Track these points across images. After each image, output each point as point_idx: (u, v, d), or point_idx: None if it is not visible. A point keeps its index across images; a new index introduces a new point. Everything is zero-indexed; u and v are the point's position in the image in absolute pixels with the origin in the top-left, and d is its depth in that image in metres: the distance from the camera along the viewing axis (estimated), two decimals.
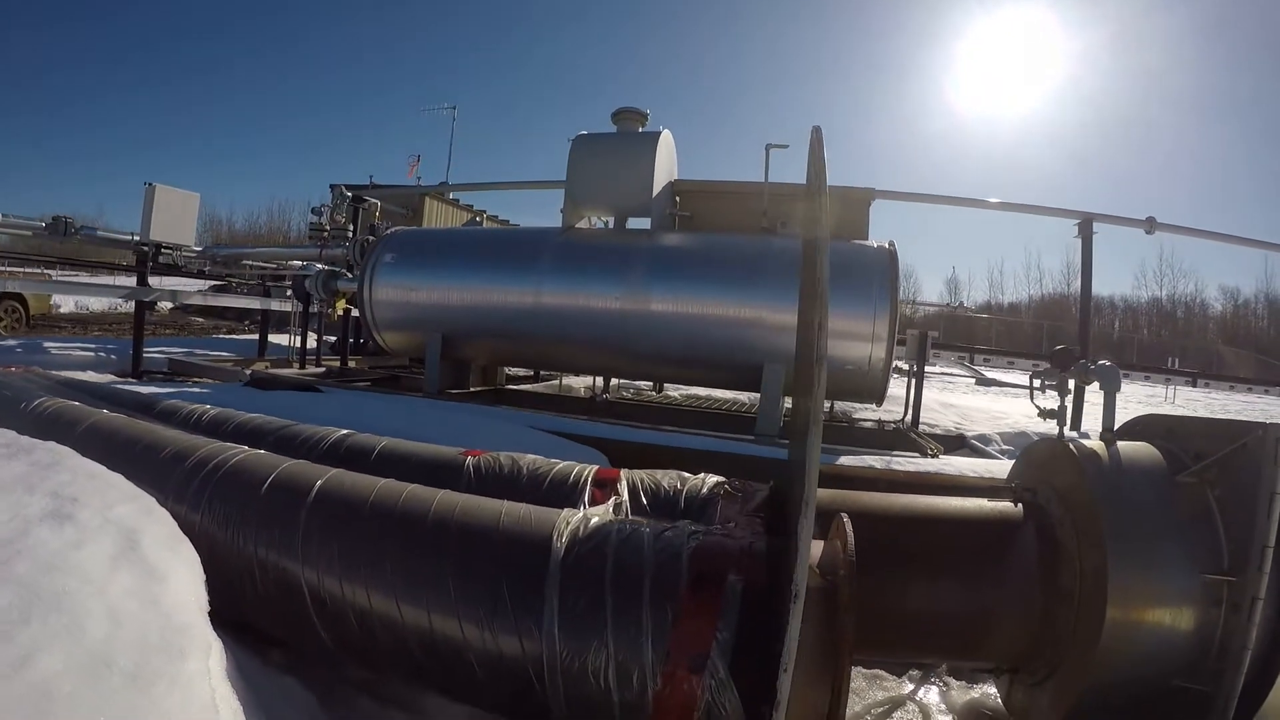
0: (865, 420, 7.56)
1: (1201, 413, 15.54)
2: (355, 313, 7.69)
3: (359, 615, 1.80)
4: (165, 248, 8.26)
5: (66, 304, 18.49)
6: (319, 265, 8.59)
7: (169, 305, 12.97)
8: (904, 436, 6.56)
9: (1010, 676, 2.38)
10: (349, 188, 12.13)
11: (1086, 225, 9.31)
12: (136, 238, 8.54)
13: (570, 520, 1.68)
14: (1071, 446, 2.27)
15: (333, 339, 10.37)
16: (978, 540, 2.22)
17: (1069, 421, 3.90)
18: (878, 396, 5.87)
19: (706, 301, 5.60)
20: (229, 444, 2.51)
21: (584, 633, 1.50)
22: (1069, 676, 2.05)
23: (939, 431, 7.07)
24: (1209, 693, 1.89)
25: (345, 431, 2.90)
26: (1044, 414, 2.71)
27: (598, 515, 1.81)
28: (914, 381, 7.24)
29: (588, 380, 8.42)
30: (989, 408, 12.79)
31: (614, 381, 8.46)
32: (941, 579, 2.16)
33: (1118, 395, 2.67)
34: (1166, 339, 53.46)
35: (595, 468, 2.43)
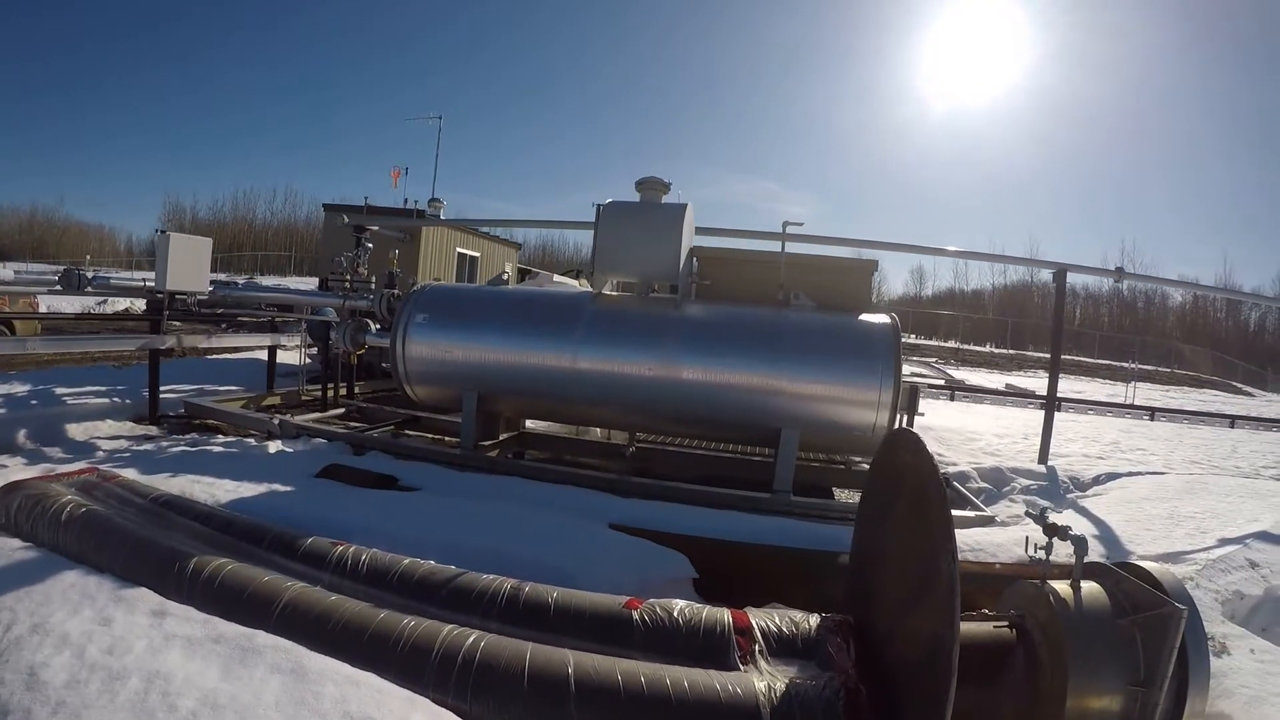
0: (864, 463, 8.58)
1: (1148, 425, 17.25)
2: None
3: None
4: (180, 294, 8.79)
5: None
6: (331, 310, 9.26)
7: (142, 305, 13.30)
8: None
9: None
10: (342, 208, 12.69)
11: (1060, 275, 10.45)
12: (149, 284, 9.06)
13: (762, 695, 2.78)
14: (1049, 595, 3.41)
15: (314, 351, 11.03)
16: (988, 653, 3.33)
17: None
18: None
19: (731, 371, 6.57)
20: (458, 627, 3.16)
21: None
22: None
23: None
24: None
25: (514, 583, 3.60)
26: (1047, 530, 3.74)
27: (769, 680, 2.89)
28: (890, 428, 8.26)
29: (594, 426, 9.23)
30: (962, 427, 14.03)
31: None
32: (967, 681, 3.24)
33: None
34: (1128, 329, 56.03)
35: (730, 614, 3.41)
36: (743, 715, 2.69)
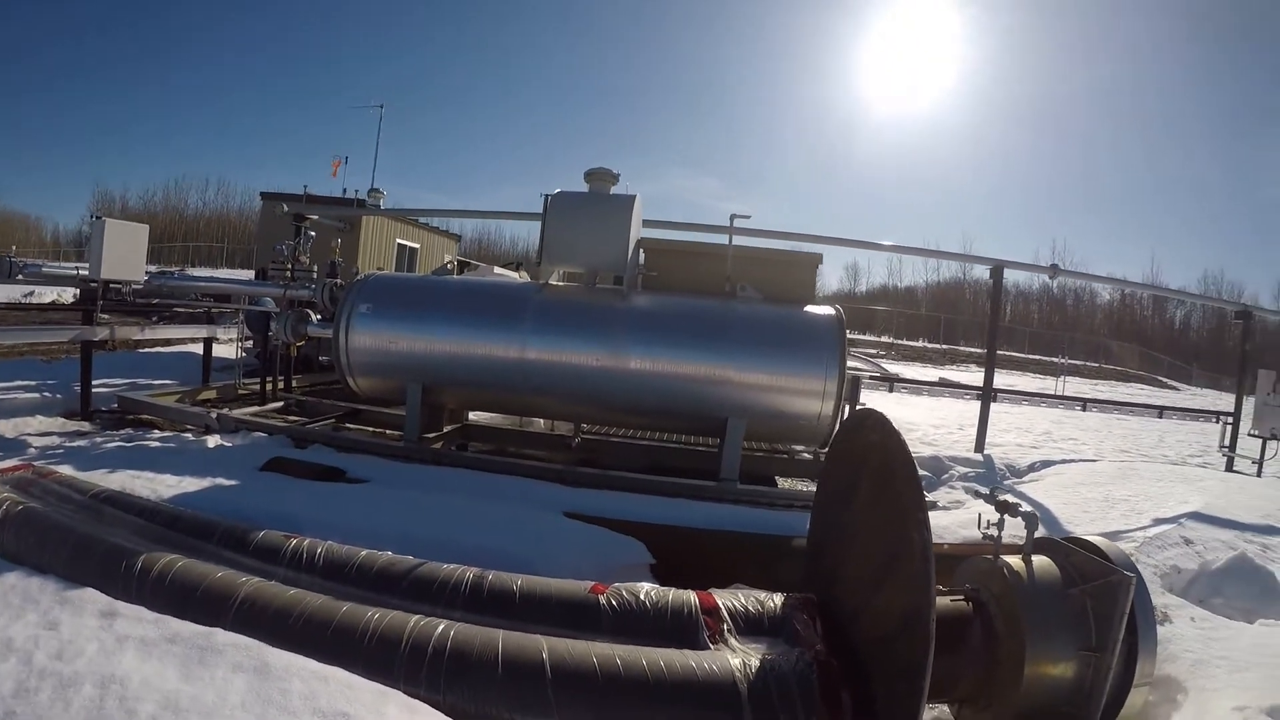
0: (805, 453, 8.81)
1: (1079, 416, 18.03)
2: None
3: None
4: (114, 283, 8.47)
5: None
6: (270, 300, 9.05)
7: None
8: None
9: (961, 706, 3.73)
10: (281, 197, 12.42)
11: (997, 271, 10.87)
12: (82, 272, 8.74)
13: (738, 671, 2.85)
14: (1003, 569, 3.60)
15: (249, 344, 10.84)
16: (946, 626, 3.46)
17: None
18: (824, 441, 7.21)
19: (679, 362, 6.69)
20: (425, 617, 3.10)
21: None
22: (1003, 707, 3.47)
23: None
24: (1083, 715, 3.38)
25: (476, 572, 3.61)
26: (999, 507, 3.90)
27: (743, 657, 2.97)
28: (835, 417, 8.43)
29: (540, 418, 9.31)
30: (900, 418, 14.37)
31: None
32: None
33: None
34: (1057, 326, 58.31)
35: (696, 596, 3.49)
36: (719, 692, 2.76)
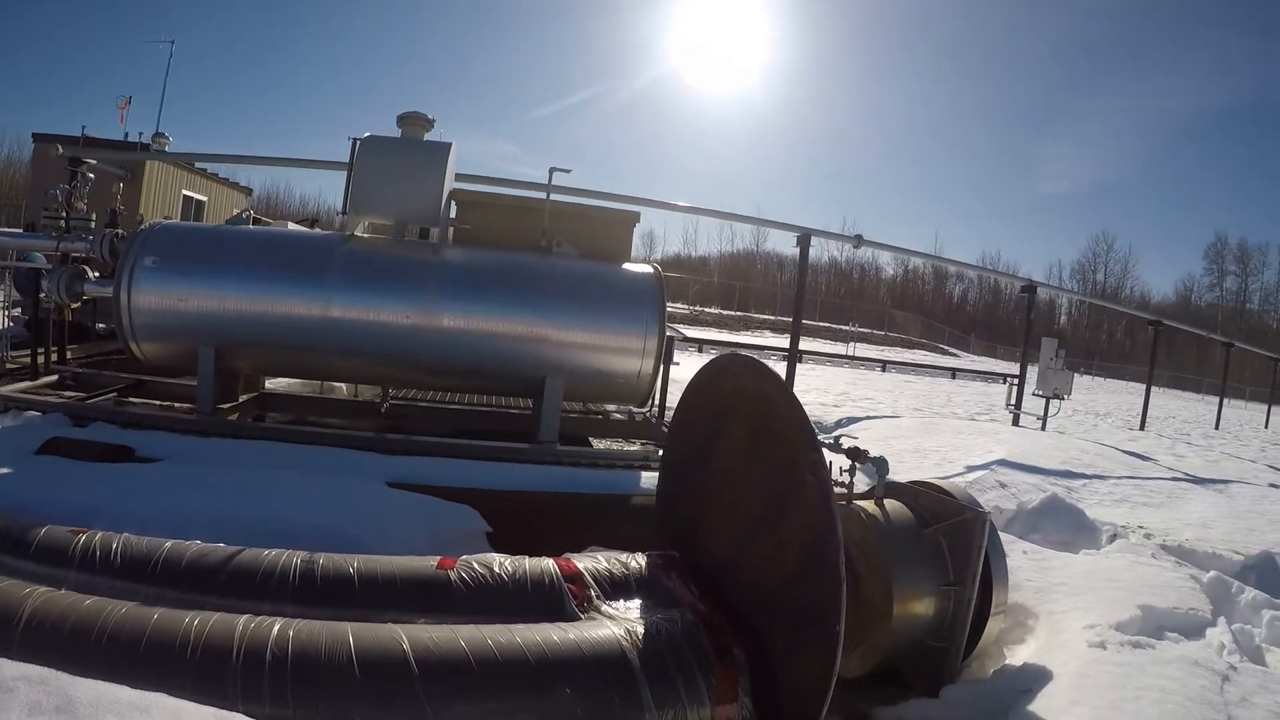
0: (618, 414, 8.95)
1: (871, 378, 19.78)
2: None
3: None
4: None
5: None
6: (41, 256, 7.89)
7: None
8: (652, 427, 8.13)
9: None
10: (54, 138, 11.04)
11: (805, 239, 11.48)
12: None
13: (624, 639, 2.71)
14: (859, 513, 3.81)
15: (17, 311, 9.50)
16: None
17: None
18: (643, 400, 7.32)
19: (495, 319, 6.48)
20: (254, 617, 2.69)
21: (668, 703, 2.59)
22: (872, 645, 3.61)
23: None
24: (946, 647, 3.60)
25: (304, 556, 3.22)
26: (850, 454, 4.08)
27: (624, 625, 2.84)
28: (661, 377, 8.61)
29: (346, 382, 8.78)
30: None
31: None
32: None
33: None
34: (843, 296, 63.41)
35: (555, 563, 3.31)
36: (609, 665, 2.62)
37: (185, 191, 14.88)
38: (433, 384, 7.64)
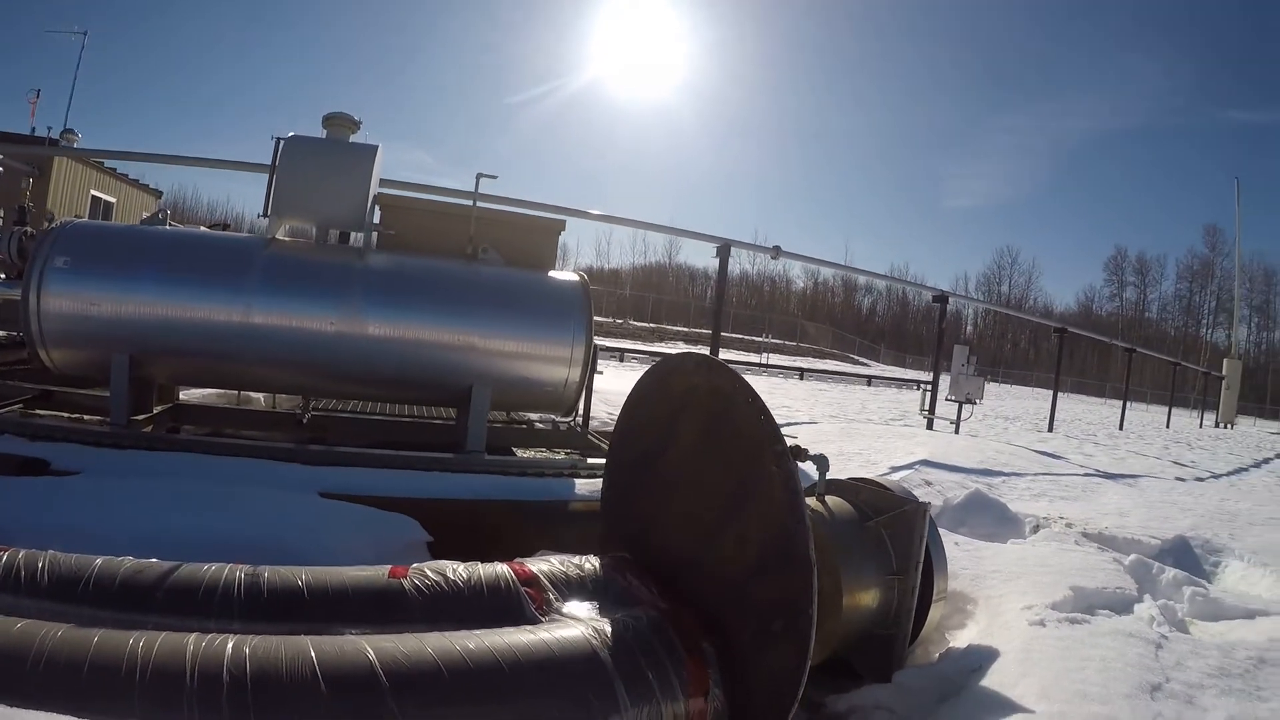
0: (540, 423, 8.99)
1: (786, 386, 20.36)
2: None
3: None
4: None
5: None
6: None
7: None
8: (575, 435, 8.23)
9: None
10: None
11: (724, 250, 11.79)
12: None
13: (593, 639, 2.76)
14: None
15: None
16: None
17: None
18: (569, 409, 7.38)
19: (422, 327, 6.45)
20: (204, 635, 2.56)
21: (643, 700, 2.64)
22: (825, 636, 3.66)
23: (599, 426, 8.89)
24: (893, 634, 3.80)
25: (248, 569, 3.10)
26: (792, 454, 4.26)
27: (589, 625, 2.88)
28: (586, 385, 8.72)
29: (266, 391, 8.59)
30: (624, 389, 15.14)
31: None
32: None
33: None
34: (755, 308, 64.95)
35: (511, 568, 3.32)
36: (584, 664, 2.66)
37: (94, 192, 14.49)
38: (358, 393, 7.56)
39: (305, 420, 7.37)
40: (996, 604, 4.18)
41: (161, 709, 2.31)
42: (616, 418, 4.35)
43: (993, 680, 3.25)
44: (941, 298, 15.99)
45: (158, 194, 18.64)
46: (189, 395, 8.04)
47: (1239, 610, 4.47)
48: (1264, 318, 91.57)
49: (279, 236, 6.73)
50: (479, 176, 7.43)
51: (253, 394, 8.70)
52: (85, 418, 7.03)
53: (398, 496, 5.01)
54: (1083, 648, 3.44)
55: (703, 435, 3.47)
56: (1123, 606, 4.20)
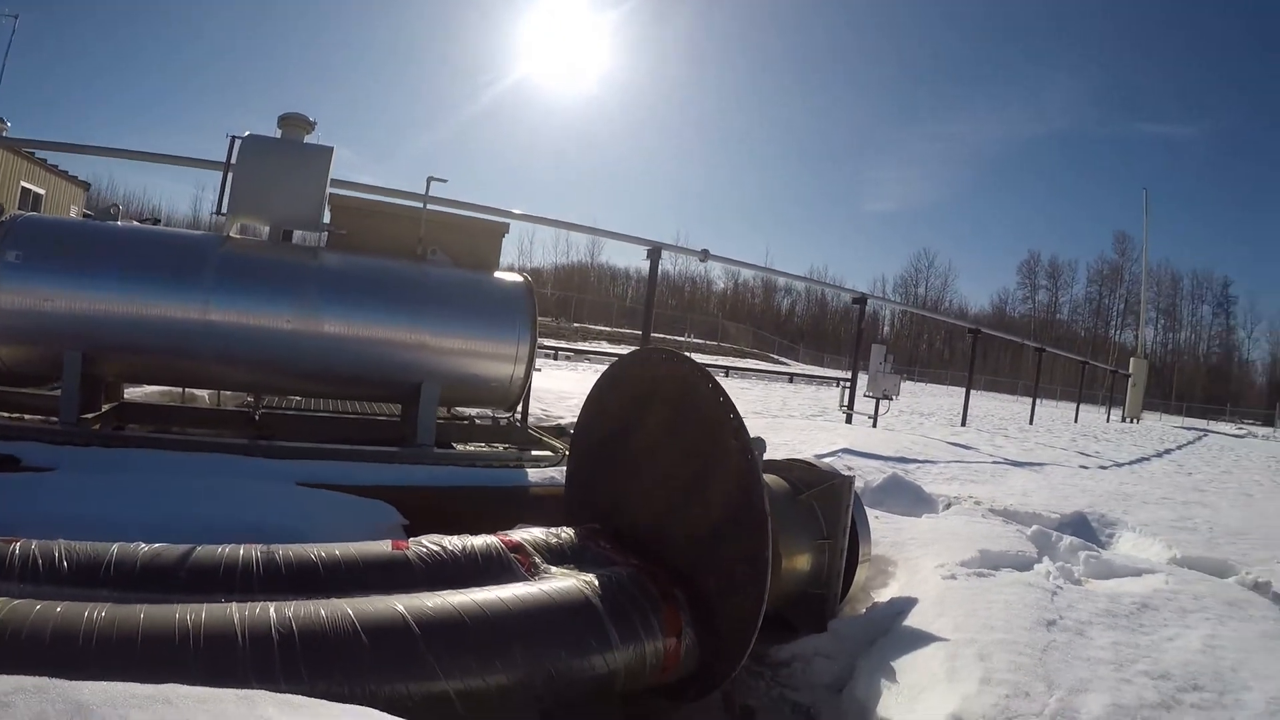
0: (482, 418, 9.40)
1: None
2: None
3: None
4: None
5: None
6: None
7: None
8: (516, 429, 8.73)
9: None
10: None
11: (655, 253, 12.40)
12: None
13: (585, 589, 3.25)
14: None
15: None
16: None
17: None
18: (513, 405, 7.92)
19: (375, 325, 6.81)
20: (242, 604, 2.78)
21: (631, 639, 3.15)
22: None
23: (534, 422, 9.44)
24: (824, 593, 4.37)
25: (263, 548, 3.34)
26: None
27: (579, 579, 3.36)
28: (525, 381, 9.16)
29: (210, 390, 8.77)
30: (553, 387, 15.59)
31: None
32: None
33: None
34: (676, 309, 66.00)
35: (500, 539, 3.76)
36: (579, 608, 3.14)
37: (24, 183, 14.09)
38: (311, 390, 7.82)
39: (258, 418, 7.64)
40: (914, 564, 4.84)
41: (219, 671, 2.51)
42: (581, 407, 4.81)
43: (914, 621, 3.89)
44: (861, 299, 16.93)
45: (86, 186, 18.12)
46: (133, 394, 8.16)
47: (1128, 569, 5.16)
48: (1169, 320, 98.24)
49: (233, 235, 6.98)
50: (429, 179, 7.80)
51: (198, 392, 8.89)
52: (25, 417, 7.10)
53: (370, 485, 5.39)
54: (989, 594, 4.11)
55: (668, 419, 3.99)
56: (1024, 565, 4.89)
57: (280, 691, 2.36)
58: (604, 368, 4.88)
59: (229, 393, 8.70)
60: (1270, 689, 3.21)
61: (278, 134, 7.17)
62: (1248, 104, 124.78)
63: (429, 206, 8.01)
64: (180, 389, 8.71)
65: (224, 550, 3.34)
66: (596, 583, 3.34)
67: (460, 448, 8.18)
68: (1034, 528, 5.87)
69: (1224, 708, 3.05)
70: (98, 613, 2.64)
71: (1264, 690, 3.19)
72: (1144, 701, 3.01)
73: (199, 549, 3.32)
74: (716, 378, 3.82)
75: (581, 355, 30.20)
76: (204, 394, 8.98)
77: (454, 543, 3.70)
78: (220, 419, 7.99)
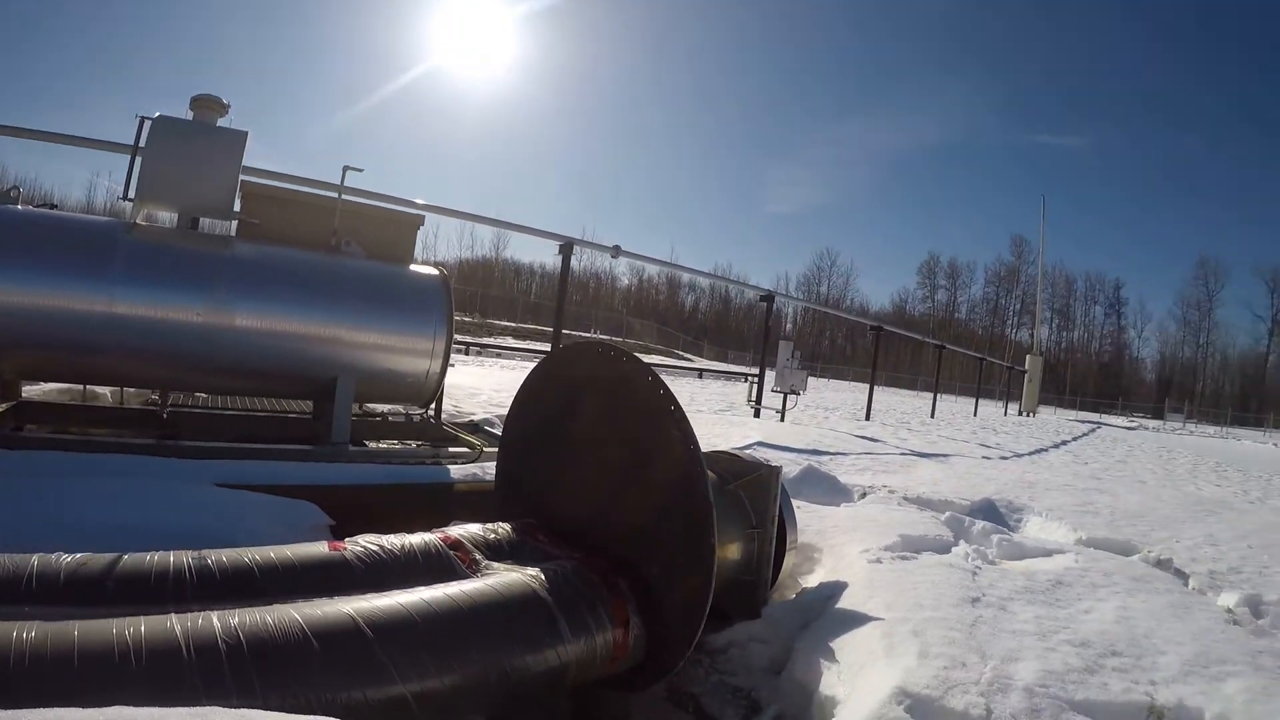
0: (395, 414, 9.35)
1: None
2: None
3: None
4: None
5: None
6: None
7: None
8: (430, 426, 8.76)
9: None
10: None
11: (567, 248, 12.47)
12: None
13: (532, 584, 3.26)
14: None
15: None
16: None
17: None
18: (429, 400, 7.92)
19: (289, 318, 6.68)
20: (181, 615, 2.59)
21: (580, 631, 3.19)
22: None
23: (447, 418, 9.47)
24: (755, 580, 4.49)
25: (193, 554, 3.18)
26: None
27: (524, 573, 3.37)
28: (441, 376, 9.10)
29: (111, 387, 8.44)
30: (459, 384, 15.51)
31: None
32: None
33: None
34: (580, 304, 66.35)
35: (439, 536, 3.72)
36: (529, 602, 3.16)
37: None
38: (222, 387, 7.58)
39: (165, 416, 7.37)
40: (839, 550, 5.07)
41: (166, 688, 2.36)
42: (512, 401, 4.81)
43: (845, 603, 4.10)
44: (769, 296, 17.33)
45: None
46: (31, 392, 7.76)
47: (1039, 550, 5.53)
48: (1063, 319, 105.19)
49: (139, 221, 6.66)
50: (345, 169, 7.66)
51: (100, 390, 8.53)
52: None
53: (295, 484, 5.27)
54: (914, 575, 4.38)
55: (603, 410, 4.07)
56: (943, 548, 5.21)
57: (234, 706, 2.29)
58: (511, 364, 4.92)
59: (134, 390, 8.40)
60: (1184, 653, 3.56)
61: (190, 116, 6.83)
62: (1138, 117, 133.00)
63: (344, 197, 7.91)
64: (82, 386, 8.31)
65: (153, 557, 3.14)
66: (543, 577, 3.37)
67: (374, 445, 8.11)
68: (947, 514, 6.24)
69: (1143, 669, 3.38)
70: (27, 632, 2.39)
71: (1178, 654, 3.55)
72: (1070, 666, 3.30)
73: (126, 557, 3.11)
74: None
75: (488, 350, 29.93)
76: (107, 392, 8.61)
77: (392, 541, 3.64)
78: (125, 418, 7.67)
